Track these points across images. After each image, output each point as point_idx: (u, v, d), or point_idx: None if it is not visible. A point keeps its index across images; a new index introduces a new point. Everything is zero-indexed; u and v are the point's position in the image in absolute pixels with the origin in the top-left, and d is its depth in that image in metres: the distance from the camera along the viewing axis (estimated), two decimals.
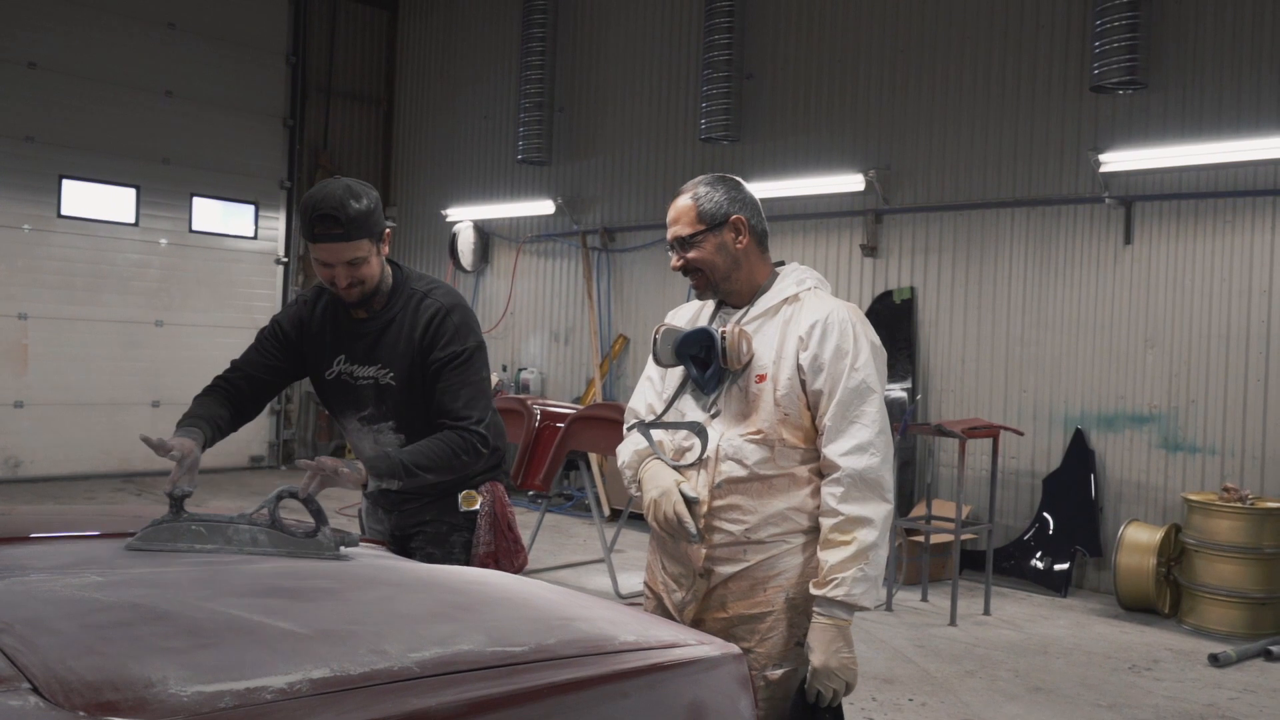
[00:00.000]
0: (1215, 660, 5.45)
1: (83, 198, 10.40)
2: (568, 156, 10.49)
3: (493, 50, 11.33)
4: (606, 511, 8.77)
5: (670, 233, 2.47)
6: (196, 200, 11.19)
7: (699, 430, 2.38)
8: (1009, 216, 7.59)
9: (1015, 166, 7.54)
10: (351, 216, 2.67)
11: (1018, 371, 7.51)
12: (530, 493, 7.01)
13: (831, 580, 2.24)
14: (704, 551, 2.37)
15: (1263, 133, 6.42)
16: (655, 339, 2.48)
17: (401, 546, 2.93)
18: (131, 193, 10.70)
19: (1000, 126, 7.61)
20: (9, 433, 9.94)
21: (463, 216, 11.33)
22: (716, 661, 1.77)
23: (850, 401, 2.30)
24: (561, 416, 6.75)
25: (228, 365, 2.99)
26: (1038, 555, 7.12)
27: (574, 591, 2.08)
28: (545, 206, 10.51)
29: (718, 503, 2.35)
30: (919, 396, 7.81)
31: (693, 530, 2.31)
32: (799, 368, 2.34)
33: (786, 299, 2.43)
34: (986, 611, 6.33)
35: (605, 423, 6.36)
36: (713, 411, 2.40)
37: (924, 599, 6.58)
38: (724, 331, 2.35)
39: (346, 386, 2.91)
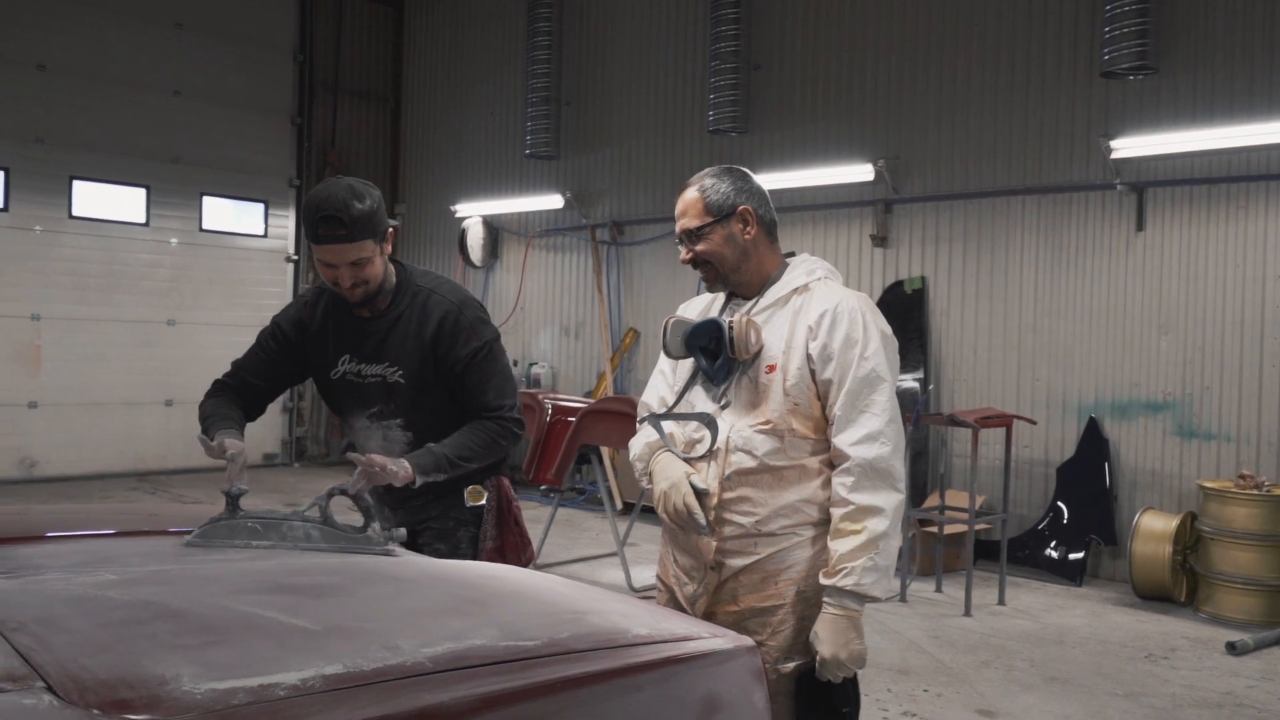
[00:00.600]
0: (1232, 648, 5.42)
1: (93, 198, 10.44)
2: (576, 150, 10.47)
3: (499, 45, 11.32)
4: (619, 505, 8.77)
5: (678, 225, 2.47)
6: (206, 199, 11.22)
7: (709, 421, 2.38)
8: (1019, 205, 7.55)
9: (1025, 154, 7.50)
10: (354, 217, 2.67)
11: (1030, 360, 7.48)
12: (543, 487, 7.02)
13: (841, 569, 2.23)
14: (714, 544, 2.36)
15: (1275, 116, 6.37)
16: (665, 331, 2.48)
17: (409, 542, 2.92)
18: (142, 193, 10.74)
19: (1010, 114, 7.57)
20: (24, 433, 9.99)
21: (472, 212, 11.33)
22: (730, 654, 1.77)
23: (860, 390, 2.29)
24: (573, 410, 6.75)
25: (225, 367, 3.00)
26: (1052, 544, 7.09)
27: (586, 585, 2.08)
28: (554, 201, 10.50)
29: (728, 495, 2.34)
30: (931, 386, 7.78)
31: (702, 522, 2.30)
32: (808, 357, 2.33)
33: (796, 289, 2.42)
34: (1001, 601, 6.32)
35: (617, 416, 6.35)
36: (723, 403, 2.39)
37: (938, 589, 6.56)
38: (732, 322, 2.35)
39: (353, 385, 2.91)
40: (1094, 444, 7.10)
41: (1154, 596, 6.43)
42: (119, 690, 1.24)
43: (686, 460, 2.39)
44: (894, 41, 8.20)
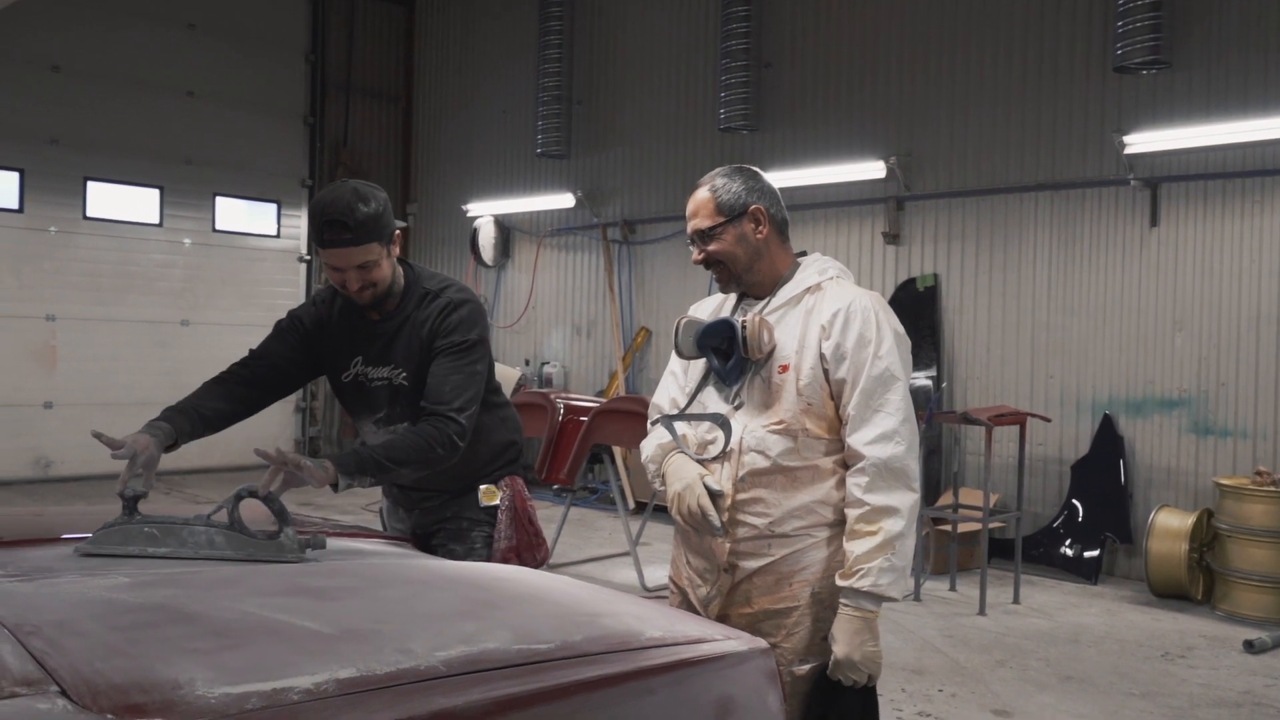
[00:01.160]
0: (1250, 646, 5.38)
1: (107, 199, 10.49)
2: (587, 149, 10.47)
3: (510, 44, 11.32)
4: (631, 504, 8.77)
5: (690, 226, 2.46)
6: (219, 200, 11.26)
7: (722, 422, 2.37)
8: (1032, 201, 7.51)
9: (1038, 150, 7.47)
10: (360, 220, 2.65)
11: (1044, 357, 7.44)
12: (554, 487, 7.02)
13: (858, 571, 2.22)
14: (728, 546, 2.36)
15: None
16: (677, 331, 2.47)
17: (423, 544, 2.92)
18: (155, 193, 10.79)
19: (1022, 109, 7.53)
20: (39, 433, 10.05)
21: (483, 211, 11.34)
22: (744, 656, 1.76)
23: (874, 390, 2.28)
24: (585, 410, 6.75)
25: (246, 354, 2.94)
26: (1067, 543, 7.06)
27: (599, 587, 2.07)
28: (565, 200, 10.50)
29: (741, 496, 2.33)
30: (944, 384, 7.75)
31: (717, 523, 2.29)
32: (822, 356, 2.32)
33: (809, 288, 2.41)
34: (1016, 600, 6.29)
35: (629, 415, 6.35)
36: (736, 403, 2.38)
37: (952, 588, 6.54)
38: (744, 321, 2.34)
39: (362, 388, 2.90)
40: (1109, 441, 7.06)
41: (1170, 594, 6.39)
42: (132, 695, 1.24)
43: (700, 461, 2.38)
44: (905, 38, 8.16)
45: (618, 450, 8.05)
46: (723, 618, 2.35)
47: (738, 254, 2.41)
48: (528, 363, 10.97)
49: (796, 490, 2.32)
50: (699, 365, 2.50)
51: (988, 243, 7.73)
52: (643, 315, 10.02)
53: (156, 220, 10.81)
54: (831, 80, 8.61)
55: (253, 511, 2.19)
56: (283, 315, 3.03)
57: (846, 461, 2.32)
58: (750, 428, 2.34)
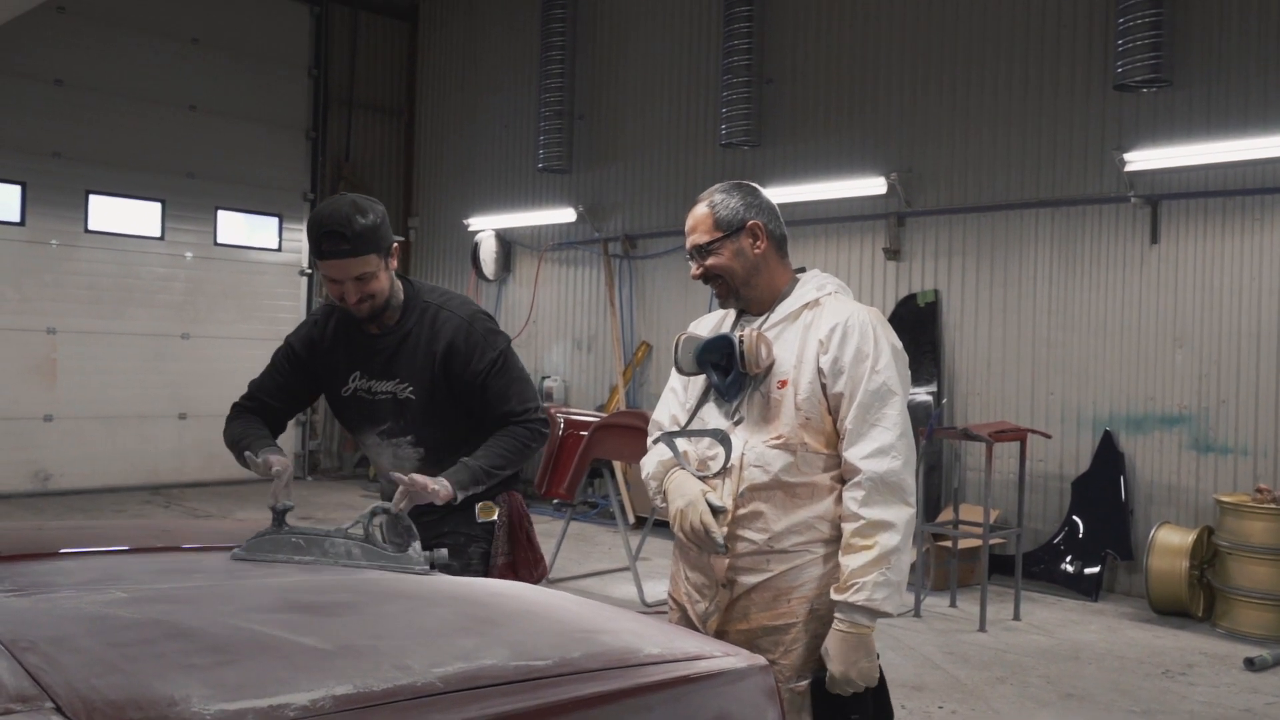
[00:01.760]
0: (1251, 664, 5.37)
1: (109, 212, 10.51)
2: (588, 164, 10.50)
3: (512, 59, 11.37)
4: (631, 519, 8.75)
5: (689, 241, 2.47)
6: (221, 213, 11.29)
7: (722, 438, 2.37)
8: (1033, 218, 7.53)
9: (1039, 167, 7.49)
10: (358, 232, 2.68)
11: (1044, 373, 7.44)
12: (554, 501, 7.02)
13: (852, 585, 2.22)
14: (727, 561, 2.35)
15: None
16: (676, 347, 2.48)
17: None
18: (157, 207, 10.81)
19: (1023, 127, 7.56)
20: (38, 446, 10.04)
21: (484, 225, 11.36)
22: (743, 673, 1.76)
23: (871, 404, 2.28)
24: (585, 424, 6.75)
25: (246, 388, 3.03)
26: (1067, 559, 7.04)
27: (597, 603, 2.07)
28: (567, 214, 10.52)
29: (741, 511, 2.33)
30: (944, 400, 7.75)
31: (719, 540, 2.29)
32: (820, 371, 2.32)
33: (807, 304, 2.42)
34: (1016, 617, 6.27)
35: (629, 430, 6.34)
36: (736, 419, 2.38)
37: (952, 605, 6.52)
38: (742, 336, 2.34)
39: (364, 402, 2.91)
40: (1109, 458, 7.05)
41: (1171, 612, 6.38)
42: (127, 711, 1.23)
43: (701, 478, 2.38)
44: (906, 54, 8.19)
45: (618, 465, 8.04)
46: (721, 633, 2.35)
47: (735, 269, 2.42)
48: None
49: (795, 506, 2.32)
50: (699, 382, 2.50)
51: (988, 259, 7.74)
52: (643, 330, 10.02)
53: (158, 233, 10.83)
54: (833, 96, 8.64)
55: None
56: (282, 329, 3.07)
57: (843, 476, 2.32)
58: (750, 443, 2.34)
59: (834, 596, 2.25)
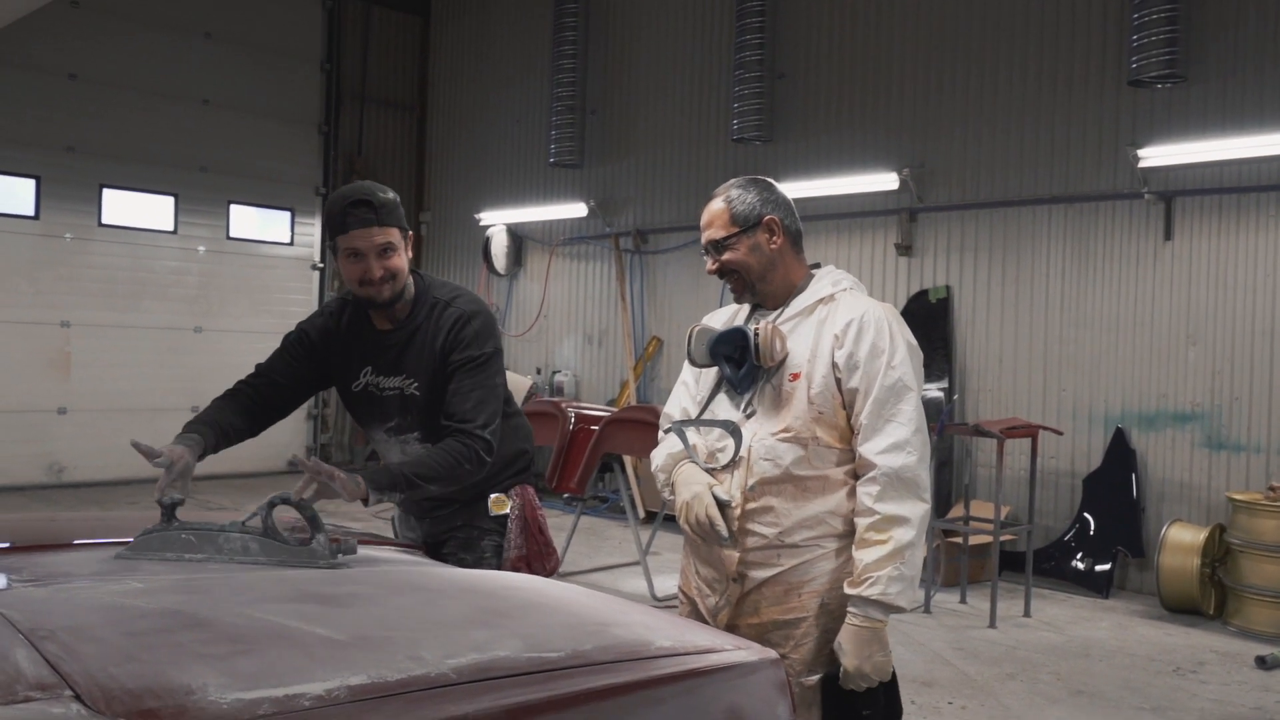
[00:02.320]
0: (1262, 662, 5.35)
1: (123, 206, 10.55)
2: (600, 159, 10.50)
3: (524, 54, 11.37)
4: (642, 514, 8.76)
5: (704, 236, 2.47)
6: (234, 207, 11.32)
7: (732, 429, 2.37)
8: (1046, 214, 7.50)
9: (1052, 163, 7.46)
10: (383, 201, 2.72)
11: (1056, 370, 7.42)
12: (565, 495, 7.03)
13: (867, 579, 2.22)
14: (737, 555, 2.36)
15: None
16: (690, 339, 2.48)
17: (434, 552, 2.93)
18: (170, 201, 10.85)
19: (1036, 122, 7.53)
20: (53, 438, 10.10)
21: (496, 220, 11.37)
22: (754, 667, 1.76)
23: (886, 400, 2.28)
24: (596, 419, 6.75)
25: (254, 368, 2.97)
26: (1078, 556, 7.03)
27: (609, 596, 2.08)
28: (578, 209, 10.53)
29: (751, 505, 2.33)
30: (956, 396, 7.74)
31: (724, 533, 2.30)
32: (834, 365, 2.32)
33: (822, 299, 2.42)
34: (1027, 613, 6.27)
35: (640, 425, 6.35)
36: (748, 411, 2.39)
37: (963, 601, 6.52)
38: (757, 329, 2.35)
39: (373, 398, 2.90)
40: (1121, 455, 7.03)
41: (1182, 609, 6.36)
42: (145, 700, 1.25)
43: (709, 470, 2.39)
44: (919, 49, 8.17)
45: (628, 459, 8.04)
46: (731, 628, 2.35)
47: (751, 264, 2.42)
48: (539, 371, 10.98)
49: (807, 500, 2.32)
50: (711, 374, 2.51)
51: (1000, 255, 7.72)
52: (654, 325, 10.03)
53: (171, 227, 10.87)
54: (845, 91, 8.62)
55: (284, 516, 2.22)
56: (294, 323, 3.04)
57: (857, 471, 2.33)
58: (760, 435, 2.34)
59: (848, 590, 2.26)
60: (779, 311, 2.45)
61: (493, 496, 2.91)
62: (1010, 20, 7.67)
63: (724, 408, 2.44)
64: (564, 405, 7.22)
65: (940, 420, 6.61)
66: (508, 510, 2.94)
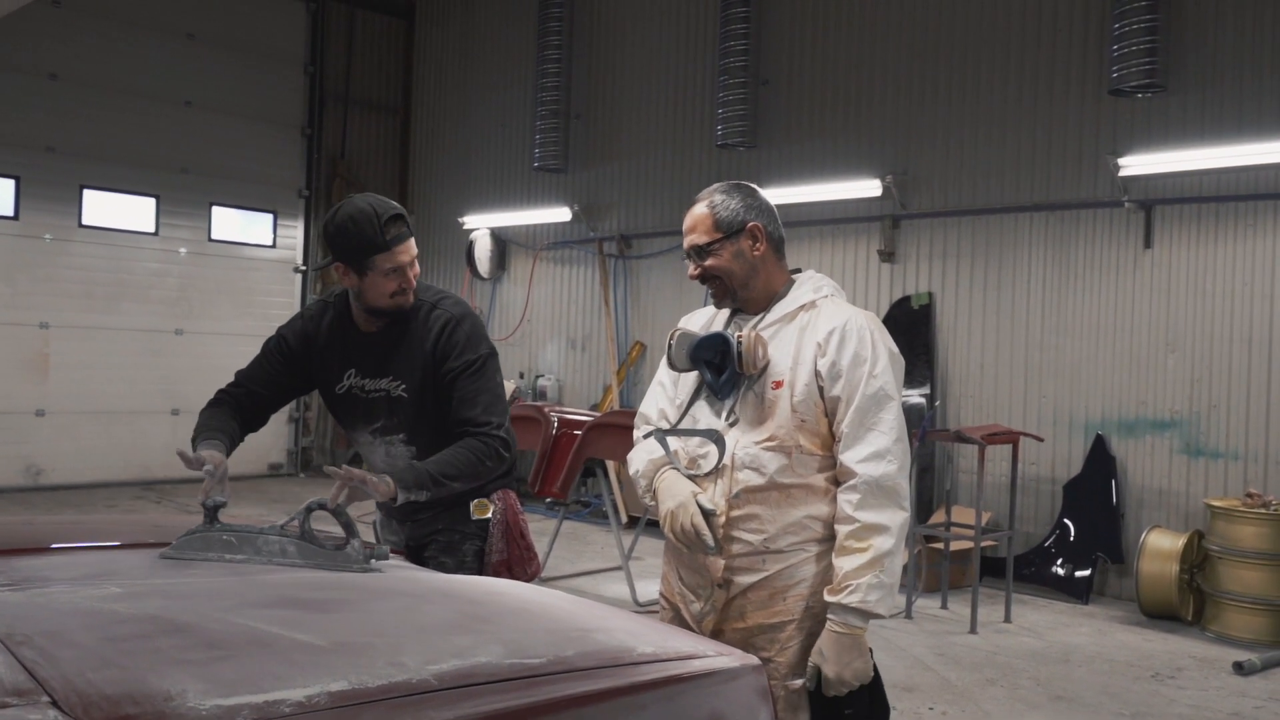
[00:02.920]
0: (1240, 668, 5.39)
1: (103, 207, 10.49)
2: (584, 164, 10.50)
3: (509, 58, 11.36)
4: (624, 519, 8.75)
5: (687, 241, 2.47)
6: (216, 209, 11.27)
7: (716, 438, 2.37)
8: (1027, 221, 7.55)
9: (1033, 171, 7.51)
10: (406, 212, 2.79)
11: (1037, 377, 7.46)
12: (547, 500, 7.02)
13: (846, 586, 2.23)
14: (722, 562, 2.36)
15: None
16: (670, 343, 2.48)
17: (415, 556, 2.92)
18: (151, 202, 10.79)
19: (1018, 130, 7.57)
20: (30, 441, 10.02)
21: (479, 224, 11.36)
22: (736, 673, 1.76)
23: (868, 408, 2.29)
24: (579, 424, 6.75)
25: (232, 377, 3.00)
26: (1059, 562, 7.06)
27: (591, 602, 2.07)
28: (562, 214, 10.52)
29: (736, 513, 2.34)
30: (937, 403, 7.77)
31: (711, 542, 2.30)
32: (817, 374, 2.33)
33: (803, 305, 2.42)
34: (1007, 619, 6.29)
35: (622, 430, 6.32)
36: (730, 419, 2.39)
37: (944, 606, 6.54)
38: (740, 336, 2.35)
39: (357, 400, 2.91)
40: (1101, 462, 7.08)
41: (1160, 615, 6.40)
42: (124, 706, 1.24)
43: (691, 478, 2.39)
44: (903, 57, 8.21)
45: (611, 464, 8.03)
46: (717, 633, 2.36)
47: (734, 270, 2.42)
48: (522, 375, 10.97)
49: (791, 506, 2.33)
50: (690, 379, 2.50)
51: (982, 262, 7.76)
52: (638, 329, 10.03)
53: (152, 229, 10.81)
54: (829, 98, 8.65)
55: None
56: (276, 326, 3.04)
57: (838, 478, 2.33)
58: (743, 443, 2.35)
59: (827, 598, 2.26)
60: (760, 317, 2.45)
61: (475, 501, 2.90)
62: (992, 29, 7.72)
63: (704, 413, 2.44)
64: (547, 410, 7.21)
65: (922, 426, 6.64)
66: (490, 515, 2.93)
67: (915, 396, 7.72)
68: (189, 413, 10.93)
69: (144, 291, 10.71)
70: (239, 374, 2.99)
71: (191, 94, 10.98)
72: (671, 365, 2.49)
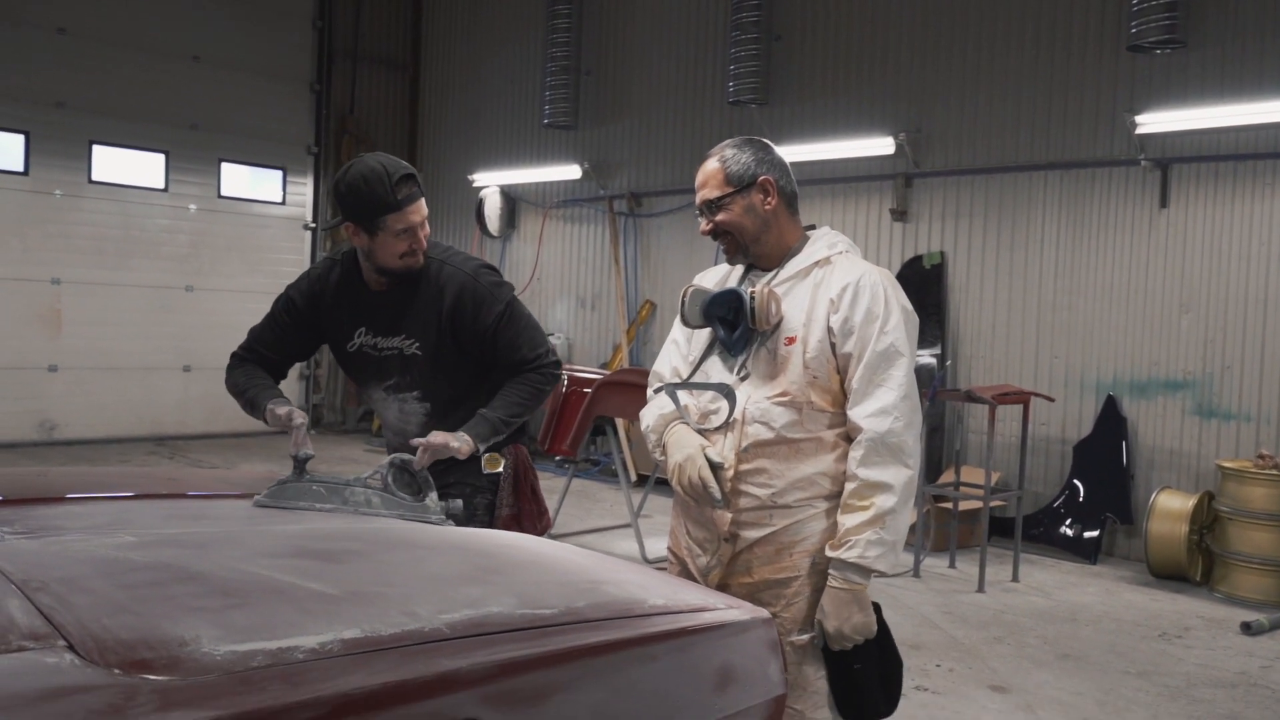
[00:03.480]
0: (1247, 628, 5.41)
1: (113, 163, 10.47)
2: (594, 121, 10.42)
3: (519, 14, 11.25)
4: (633, 476, 8.79)
5: (699, 196, 2.45)
6: (225, 166, 11.24)
7: (727, 392, 2.37)
8: (1042, 180, 7.48)
9: (1049, 129, 7.42)
10: (416, 171, 2.78)
11: (1049, 337, 7.43)
12: (557, 458, 7.04)
13: (846, 542, 2.24)
14: (729, 516, 2.36)
15: None
16: (683, 300, 2.46)
17: None
18: (161, 158, 10.76)
19: (1033, 88, 7.48)
20: (44, 396, 10.08)
21: (489, 181, 11.31)
22: (746, 625, 1.77)
23: (877, 365, 2.28)
24: (588, 382, 6.75)
25: (245, 336, 3.01)
26: (1067, 522, 7.07)
27: (603, 555, 2.08)
28: (572, 171, 10.47)
29: (744, 466, 2.33)
30: (949, 362, 7.75)
31: (717, 495, 2.30)
32: (829, 330, 2.32)
33: (817, 262, 2.40)
34: (1015, 578, 6.31)
35: (632, 388, 6.35)
36: (742, 374, 2.38)
37: (952, 565, 6.56)
38: (753, 292, 2.33)
39: (369, 358, 2.92)
40: (1112, 422, 7.06)
41: (1169, 576, 6.42)
42: (139, 650, 1.25)
43: (701, 432, 2.39)
44: (917, 13, 8.10)
45: (620, 422, 8.05)
46: (723, 587, 2.36)
47: (746, 225, 2.41)
48: None
49: (799, 461, 2.33)
50: (703, 335, 2.50)
51: (995, 221, 7.70)
52: (648, 288, 10.00)
53: (162, 185, 10.80)
54: (842, 54, 8.55)
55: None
56: (285, 283, 3.05)
57: (849, 435, 2.33)
58: (754, 399, 2.34)
59: (829, 553, 2.28)
60: (774, 273, 2.43)
61: (485, 455, 2.91)
62: None
63: (717, 369, 2.43)
64: None
65: (933, 386, 6.62)
66: (500, 469, 2.94)
67: (926, 356, 7.70)
68: (200, 369, 11.03)
69: (154, 248, 10.72)
70: (250, 335, 3.00)
71: (200, 49, 10.91)
72: (685, 321, 2.48)
